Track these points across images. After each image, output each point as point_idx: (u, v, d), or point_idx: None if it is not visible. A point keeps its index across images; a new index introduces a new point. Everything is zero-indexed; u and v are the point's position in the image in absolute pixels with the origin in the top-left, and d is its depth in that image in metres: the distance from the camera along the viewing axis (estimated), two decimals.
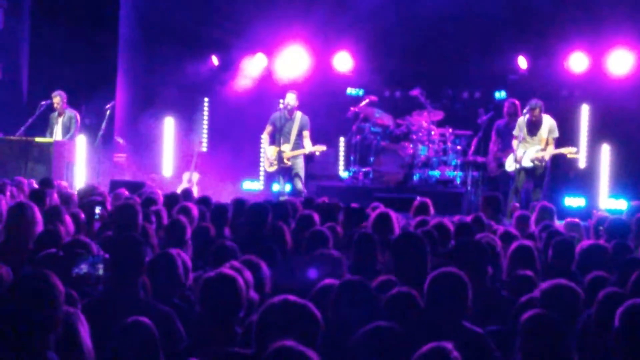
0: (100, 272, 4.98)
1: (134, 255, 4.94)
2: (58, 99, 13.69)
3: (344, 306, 4.54)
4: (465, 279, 4.68)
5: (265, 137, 13.68)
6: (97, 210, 7.78)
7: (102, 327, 4.18)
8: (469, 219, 8.58)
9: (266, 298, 4.81)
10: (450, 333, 4.16)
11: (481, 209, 9.79)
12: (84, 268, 4.99)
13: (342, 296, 4.58)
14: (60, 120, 13.75)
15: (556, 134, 12.68)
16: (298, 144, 13.30)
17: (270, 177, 14.89)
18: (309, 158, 14.03)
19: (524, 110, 12.71)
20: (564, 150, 12.77)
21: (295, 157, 13.29)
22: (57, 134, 13.65)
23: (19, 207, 6.63)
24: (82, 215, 7.66)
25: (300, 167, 13.31)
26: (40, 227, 6.41)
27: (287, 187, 13.42)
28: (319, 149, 13.35)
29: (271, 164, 13.47)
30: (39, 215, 6.46)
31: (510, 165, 12.83)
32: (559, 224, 9.00)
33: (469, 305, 4.63)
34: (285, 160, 13.29)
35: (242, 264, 5.27)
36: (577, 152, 13.24)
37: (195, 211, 8.15)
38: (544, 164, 12.63)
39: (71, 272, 4.96)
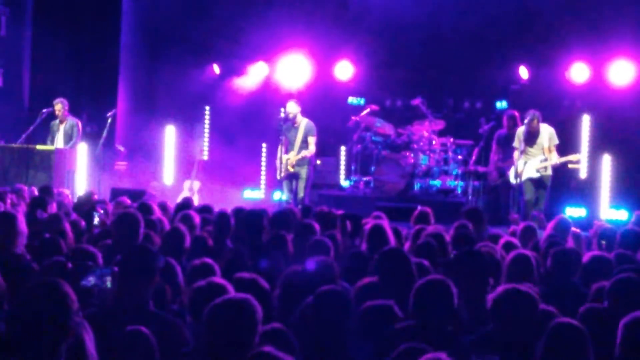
0: (108, 284, 4.94)
1: (145, 265, 4.90)
2: (60, 106, 13.68)
3: (321, 315, 4.56)
4: (452, 287, 4.67)
5: (280, 148, 13.58)
6: (96, 218, 7.76)
7: (110, 337, 4.16)
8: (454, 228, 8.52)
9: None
10: (435, 340, 4.16)
11: None
12: (91, 280, 4.95)
13: (318, 306, 4.60)
14: (61, 127, 13.74)
15: (556, 141, 12.66)
16: (303, 151, 13.28)
17: (273, 186, 14.86)
18: (315, 167, 14.01)
19: (525, 121, 12.68)
20: (570, 157, 12.76)
21: (300, 164, 13.26)
22: (59, 142, 13.64)
23: (2, 216, 6.55)
24: (83, 223, 7.65)
25: (303, 175, 13.28)
26: (24, 237, 6.36)
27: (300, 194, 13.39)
28: (304, 153, 13.27)
29: (281, 172, 13.47)
30: (23, 225, 6.40)
31: (513, 178, 12.76)
32: None
33: (454, 313, 4.63)
34: (289, 167, 13.28)
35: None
36: (578, 162, 13.25)
37: (197, 219, 8.14)
38: (549, 172, 12.60)
39: (77, 282, 4.92)
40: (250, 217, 7.82)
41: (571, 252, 6.83)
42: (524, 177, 12.45)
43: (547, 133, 12.62)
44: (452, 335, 4.63)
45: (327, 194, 15.32)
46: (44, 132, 13.80)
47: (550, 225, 9.02)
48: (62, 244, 6.11)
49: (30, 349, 3.60)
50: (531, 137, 12.60)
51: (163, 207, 9.72)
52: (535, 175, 12.54)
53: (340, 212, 9.15)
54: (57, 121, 13.76)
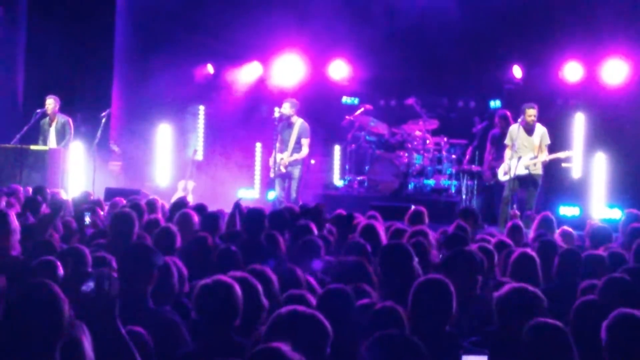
0: (107, 288, 4.92)
1: (145, 262, 4.91)
2: (52, 101, 13.58)
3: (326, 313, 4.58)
4: (451, 286, 4.67)
5: (277, 147, 13.58)
6: (87, 218, 7.74)
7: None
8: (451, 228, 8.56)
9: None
10: (432, 338, 4.16)
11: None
12: (91, 285, 4.93)
13: (324, 304, 4.60)
14: (53, 126, 13.67)
15: (548, 141, 12.67)
16: (296, 151, 13.30)
17: (267, 185, 14.87)
18: (309, 167, 14.02)
19: (524, 109, 12.61)
20: (560, 154, 12.76)
21: (293, 165, 13.29)
22: (51, 142, 13.58)
23: None
24: (74, 223, 7.65)
25: (296, 175, 13.30)
26: (17, 234, 6.34)
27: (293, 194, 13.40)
28: (296, 156, 13.29)
29: (273, 172, 13.48)
30: (15, 223, 6.39)
31: (502, 175, 12.83)
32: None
33: (452, 312, 4.62)
34: (281, 168, 13.31)
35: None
36: (569, 160, 13.28)
37: (195, 219, 8.15)
38: (539, 170, 12.61)
39: (77, 287, 4.91)
40: (250, 217, 7.81)
41: (578, 252, 6.85)
42: (511, 174, 12.42)
43: (540, 132, 12.65)
44: (450, 336, 4.62)
45: (321, 193, 15.33)
46: (38, 132, 13.77)
47: (535, 224, 9.07)
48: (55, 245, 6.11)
49: (23, 352, 3.61)
50: (525, 132, 12.56)
51: (161, 206, 9.75)
52: (524, 172, 12.54)
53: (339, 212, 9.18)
54: (47, 119, 13.68)
